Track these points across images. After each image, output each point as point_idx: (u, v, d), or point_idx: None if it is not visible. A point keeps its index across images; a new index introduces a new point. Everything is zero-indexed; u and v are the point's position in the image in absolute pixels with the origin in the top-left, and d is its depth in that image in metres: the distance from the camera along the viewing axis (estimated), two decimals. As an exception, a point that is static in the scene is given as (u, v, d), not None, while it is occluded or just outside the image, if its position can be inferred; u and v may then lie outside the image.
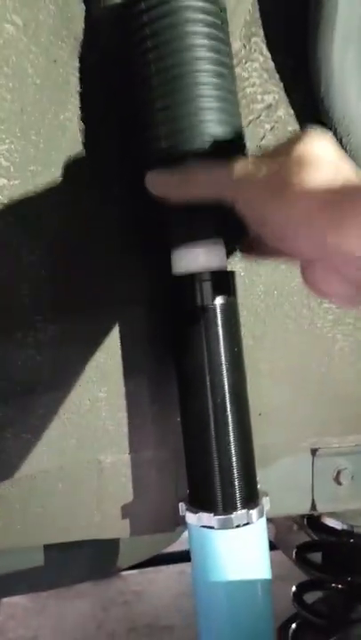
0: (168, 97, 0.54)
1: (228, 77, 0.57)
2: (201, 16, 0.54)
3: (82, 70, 0.61)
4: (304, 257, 0.47)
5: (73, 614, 1.84)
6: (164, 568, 2.04)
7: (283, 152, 0.48)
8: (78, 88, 0.61)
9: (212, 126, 0.55)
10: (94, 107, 0.62)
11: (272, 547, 1.36)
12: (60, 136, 0.61)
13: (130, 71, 0.56)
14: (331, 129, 0.65)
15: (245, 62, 0.66)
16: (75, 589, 1.86)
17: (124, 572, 1.97)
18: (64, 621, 1.81)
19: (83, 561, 1.22)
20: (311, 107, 0.66)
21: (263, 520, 0.60)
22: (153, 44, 0.54)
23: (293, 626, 0.96)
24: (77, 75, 0.61)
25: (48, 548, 1.11)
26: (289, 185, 0.44)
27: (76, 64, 0.61)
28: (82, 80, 0.61)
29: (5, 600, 1.84)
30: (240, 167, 0.48)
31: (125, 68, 0.57)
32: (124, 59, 0.57)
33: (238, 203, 0.49)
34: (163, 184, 0.55)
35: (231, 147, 0.56)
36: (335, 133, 0.65)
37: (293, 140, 0.48)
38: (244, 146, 0.59)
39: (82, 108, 0.61)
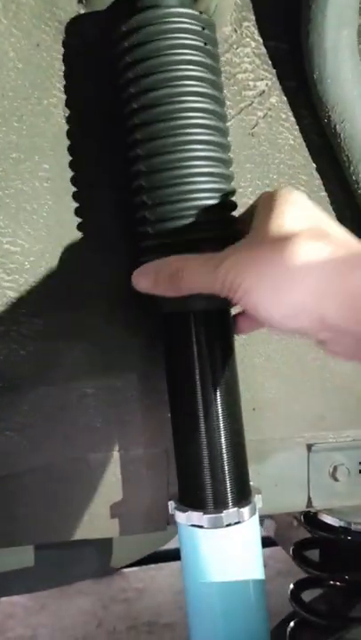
0: (153, 176, 0.54)
1: (221, 117, 0.56)
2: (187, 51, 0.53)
3: (66, 55, 0.59)
4: (321, 330, 0.45)
5: (73, 612, 1.83)
6: (165, 565, 2.03)
7: (261, 232, 0.46)
8: (63, 73, 0.59)
9: (202, 201, 0.53)
10: (82, 94, 0.60)
11: (273, 543, 1.36)
12: (45, 122, 0.59)
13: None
14: (324, 115, 0.63)
15: (236, 47, 0.64)
16: (74, 587, 1.85)
17: (125, 570, 1.97)
18: (64, 620, 1.80)
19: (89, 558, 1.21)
20: (305, 93, 0.64)
21: (255, 518, 0.59)
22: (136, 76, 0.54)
23: (291, 624, 0.95)
24: (62, 59, 0.59)
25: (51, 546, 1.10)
26: (292, 268, 0.43)
27: (61, 48, 0.59)
28: (67, 66, 0.59)
29: (4, 599, 1.83)
30: (233, 260, 0.46)
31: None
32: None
33: (237, 294, 0.46)
34: (150, 282, 0.53)
35: (221, 220, 0.55)
36: (329, 120, 0.63)
37: (265, 212, 0.47)
38: (235, 205, 0.57)
39: (67, 95, 0.60)
